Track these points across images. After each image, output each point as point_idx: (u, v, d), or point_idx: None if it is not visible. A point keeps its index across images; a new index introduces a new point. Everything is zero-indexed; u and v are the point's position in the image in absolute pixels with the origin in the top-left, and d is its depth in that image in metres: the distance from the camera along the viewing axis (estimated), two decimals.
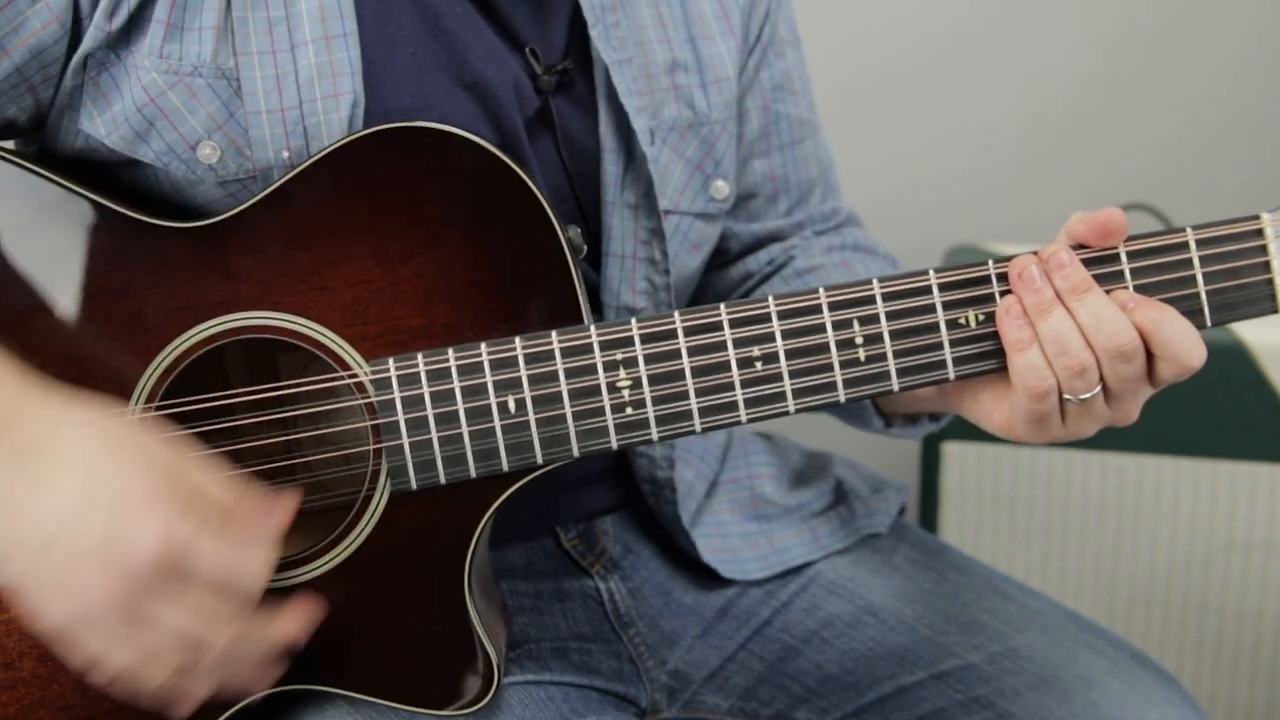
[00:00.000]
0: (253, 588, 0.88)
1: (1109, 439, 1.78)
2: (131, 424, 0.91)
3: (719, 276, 1.29)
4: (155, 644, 0.86)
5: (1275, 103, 2.19)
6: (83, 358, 0.97)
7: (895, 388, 0.96)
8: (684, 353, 0.96)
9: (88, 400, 0.91)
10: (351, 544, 0.98)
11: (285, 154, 1.00)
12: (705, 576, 1.23)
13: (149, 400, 0.97)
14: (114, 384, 0.97)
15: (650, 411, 0.96)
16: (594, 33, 1.10)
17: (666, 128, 1.15)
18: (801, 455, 1.35)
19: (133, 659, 0.87)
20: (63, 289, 0.97)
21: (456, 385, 0.96)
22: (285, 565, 0.98)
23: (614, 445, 0.96)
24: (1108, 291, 0.94)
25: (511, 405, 0.96)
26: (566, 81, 1.11)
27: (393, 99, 1.03)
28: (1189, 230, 0.95)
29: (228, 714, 0.99)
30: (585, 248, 1.06)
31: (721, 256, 1.28)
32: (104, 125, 1.01)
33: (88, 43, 0.99)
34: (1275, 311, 0.97)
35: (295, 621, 0.93)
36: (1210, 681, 1.84)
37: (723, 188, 1.19)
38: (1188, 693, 1.17)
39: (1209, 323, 0.96)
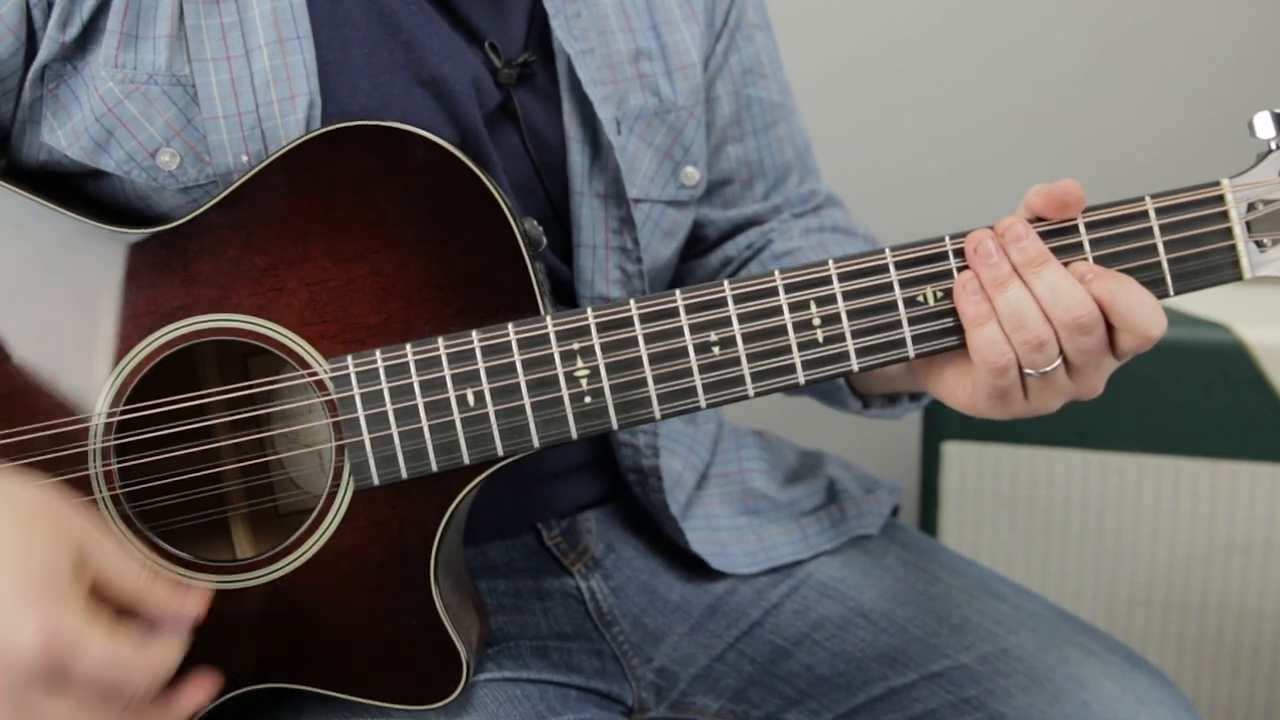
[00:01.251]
0: (142, 686, 0.83)
1: (1109, 439, 1.77)
2: (38, 501, 0.86)
3: (699, 265, 1.28)
4: None
5: (1275, 103, 2.17)
6: (46, 365, 0.97)
7: (855, 368, 0.95)
8: (641, 340, 0.95)
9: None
10: (318, 541, 0.98)
11: (244, 158, 1.00)
12: (693, 572, 1.22)
13: (114, 405, 0.97)
14: (78, 390, 0.97)
15: (609, 400, 0.95)
16: (555, 23, 1.10)
17: (633, 116, 1.15)
18: (795, 454, 1.34)
19: None
20: (22, 296, 0.97)
21: (415, 380, 0.95)
22: (254, 564, 0.98)
23: (574, 435, 0.96)
24: (1066, 264, 0.93)
25: (470, 398, 0.95)
26: (528, 74, 1.11)
27: (350, 99, 1.03)
28: (1148, 199, 0.94)
29: (199, 714, 0.99)
30: (545, 240, 1.06)
31: (700, 244, 1.28)
32: (65, 137, 1.01)
33: (43, 54, 1.00)
34: (1239, 279, 0.95)
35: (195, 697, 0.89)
36: (1210, 682, 1.81)
37: (693, 174, 1.19)
38: (1182, 695, 1.15)
39: (1171, 292, 0.94)
